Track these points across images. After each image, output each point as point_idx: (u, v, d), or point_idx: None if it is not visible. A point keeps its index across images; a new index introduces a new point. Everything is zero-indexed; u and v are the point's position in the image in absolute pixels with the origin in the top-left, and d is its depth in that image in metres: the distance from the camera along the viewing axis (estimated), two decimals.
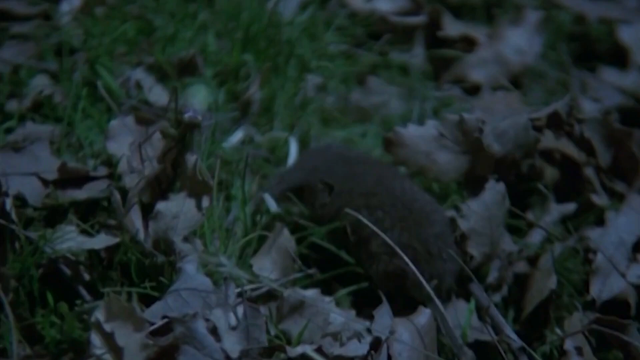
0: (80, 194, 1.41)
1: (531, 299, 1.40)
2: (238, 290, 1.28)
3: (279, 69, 1.76)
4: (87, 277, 1.32)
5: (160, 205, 1.35)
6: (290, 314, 1.29)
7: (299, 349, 1.21)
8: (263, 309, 1.28)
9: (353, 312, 1.33)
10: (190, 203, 1.35)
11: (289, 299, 1.30)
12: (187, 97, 1.60)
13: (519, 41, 1.87)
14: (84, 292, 1.29)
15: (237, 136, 1.62)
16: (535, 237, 1.49)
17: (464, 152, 1.47)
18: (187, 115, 1.37)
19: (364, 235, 1.37)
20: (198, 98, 1.61)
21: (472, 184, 1.45)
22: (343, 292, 1.38)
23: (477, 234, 1.41)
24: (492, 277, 1.42)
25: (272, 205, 1.46)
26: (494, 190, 1.43)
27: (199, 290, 1.25)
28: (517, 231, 1.51)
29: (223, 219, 1.43)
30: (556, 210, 1.51)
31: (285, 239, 1.40)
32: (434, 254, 1.35)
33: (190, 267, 1.27)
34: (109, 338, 1.13)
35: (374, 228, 1.33)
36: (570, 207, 1.53)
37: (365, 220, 1.34)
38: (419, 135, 1.49)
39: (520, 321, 1.41)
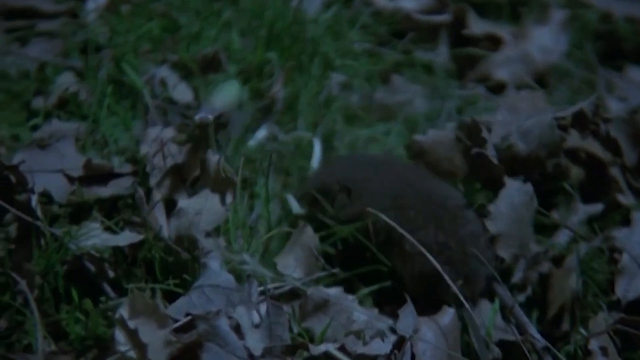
0: (105, 191, 1.42)
1: (555, 299, 1.40)
2: (261, 288, 1.29)
3: (303, 67, 1.76)
4: (111, 274, 1.32)
5: (183, 202, 1.35)
6: (313, 313, 1.29)
7: (322, 347, 1.20)
8: (286, 307, 1.28)
9: (376, 311, 1.33)
10: (214, 200, 1.35)
11: (312, 298, 1.29)
12: (217, 94, 1.59)
13: (544, 40, 1.86)
14: (108, 288, 1.30)
15: (261, 134, 1.62)
16: (562, 237, 1.48)
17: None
18: (197, 117, 1.38)
19: (394, 236, 1.34)
20: (228, 95, 1.60)
21: (491, 185, 1.45)
22: (366, 290, 1.38)
23: (506, 236, 1.40)
24: (516, 277, 1.41)
25: (295, 206, 1.46)
26: (522, 191, 1.43)
27: (222, 288, 1.25)
28: (542, 230, 1.50)
29: (247, 217, 1.43)
30: (583, 210, 1.50)
31: (309, 237, 1.40)
32: (470, 253, 1.33)
33: (213, 264, 1.27)
34: (133, 335, 1.13)
35: (397, 227, 1.31)
36: (597, 207, 1.52)
37: (389, 220, 1.31)
38: (439, 141, 1.49)
39: (544, 321, 1.40)
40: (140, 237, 1.32)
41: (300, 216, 1.46)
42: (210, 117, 1.38)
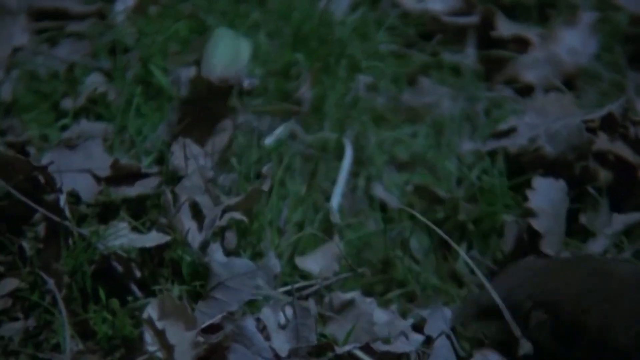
0: (132, 191, 1.42)
1: None
2: (288, 288, 1.29)
3: (329, 68, 1.76)
4: (138, 274, 1.32)
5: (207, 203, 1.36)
6: (336, 315, 1.29)
7: (347, 347, 1.20)
8: (313, 308, 1.28)
9: (396, 313, 1.32)
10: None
11: (335, 299, 1.29)
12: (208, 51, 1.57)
13: (573, 42, 1.85)
14: (135, 288, 1.30)
15: (277, 132, 1.62)
16: (597, 245, 1.45)
17: None
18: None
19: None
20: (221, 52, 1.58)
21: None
22: (391, 295, 1.38)
23: (550, 233, 1.38)
24: None
25: (335, 216, 1.46)
26: (557, 188, 1.42)
27: (248, 288, 1.25)
28: (568, 234, 1.49)
29: (275, 218, 1.43)
30: (620, 220, 1.47)
31: (337, 242, 1.40)
32: None
33: (240, 263, 1.28)
34: (160, 335, 1.13)
35: None
36: (635, 216, 1.48)
37: None
38: None
39: None
40: (167, 238, 1.32)
41: (337, 226, 1.46)
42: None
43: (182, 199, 1.36)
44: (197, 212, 1.36)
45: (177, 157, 1.40)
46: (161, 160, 1.48)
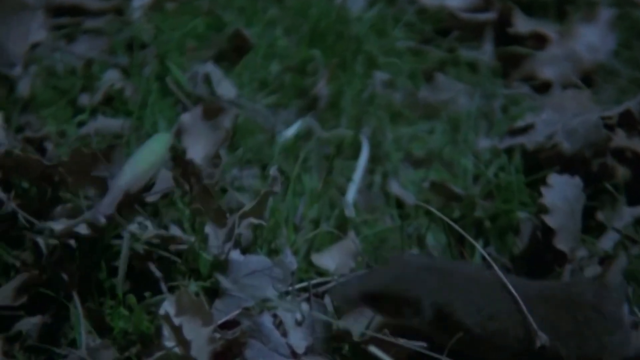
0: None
1: None
2: (304, 284, 1.29)
3: (346, 65, 1.76)
4: (155, 269, 1.32)
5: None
6: (350, 311, 1.29)
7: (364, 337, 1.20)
8: (329, 305, 1.28)
9: None
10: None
11: None
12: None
13: (591, 38, 1.84)
14: (152, 284, 1.30)
15: (294, 128, 1.62)
16: (608, 240, 1.46)
17: None
18: (88, 214, 1.25)
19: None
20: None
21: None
22: None
23: (564, 230, 1.38)
24: None
25: (350, 210, 1.46)
26: (572, 184, 1.41)
27: (264, 285, 1.26)
28: (585, 231, 1.48)
29: (291, 214, 1.43)
30: (629, 212, 1.48)
31: (352, 238, 1.40)
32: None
33: (256, 260, 1.28)
34: (177, 331, 1.13)
35: None
36: None
37: None
38: None
39: None
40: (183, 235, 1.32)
41: (352, 220, 1.46)
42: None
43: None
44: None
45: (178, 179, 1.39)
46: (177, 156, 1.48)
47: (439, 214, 1.36)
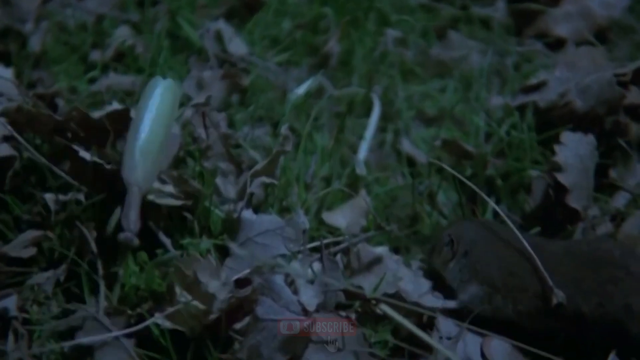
0: None
1: None
2: (316, 244, 1.29)
3: (358, 22, 1.75)
4: (167, 227, 1.33)
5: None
6: (362, 269, 1.29)
7: (376, 295, 1.21)
8: (340, 263, 1.29)
9: (421, 271, 1.33)
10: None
11: (362, 254, 1.30)
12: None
13: None
14: (164, 240, 1.30)
15: (307, 85, 1.61)
16: (620, 200, 1.45)
17: None
18: (122, 236, 1.20)
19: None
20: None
21: None
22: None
23: (577, 187, 1.37)
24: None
25: (361, 167, 1.46)
26: (585, 142, 1.40)
27: (276, 244, 1.26)
28: (598, 189, 1.48)
29: (302, 172, 1.43)
30: None
31: (363, 196, 1.40)
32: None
33: (268, 219, 1.28)
34: (189, 288, 1.14)
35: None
36: None
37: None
38: None
39: None
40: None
41: (363, 178, 1.46)
42: (135, 239, 1.20)
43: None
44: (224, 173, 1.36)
45: (197, 127, 1.38)
46: None
47: (451, 170, 1.36)
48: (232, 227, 1.29)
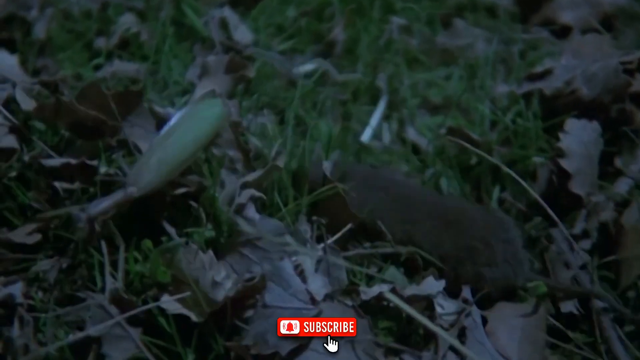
0: None
1: (631, 267, 1.34)
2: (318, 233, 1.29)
3: (363, 10, 1.75)
4: (171, 215, 1.33)
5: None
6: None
7: (376, 289, 1.21)
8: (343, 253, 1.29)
9: None
10: None
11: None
12: None
13: None
14: (169, 229, 1.30)
15: (308, 67, 1.61)
16: (622, 185, 1.45)
17: None
18: (75, 212, 1.20)
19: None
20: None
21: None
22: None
23: (581, 174, 1.38)
24: (578, 228, 1.39)
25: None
26: (590, 129, 1.40)
27: (276, 249, 1.25)
28: (603, 176, 1.47)
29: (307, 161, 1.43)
30: None
31: None
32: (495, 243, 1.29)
33: (271, 224, 1.27)
34: (196, 275, 1.14)
35: None
36: None
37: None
38: None
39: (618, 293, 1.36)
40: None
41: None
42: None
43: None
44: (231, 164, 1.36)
45: None
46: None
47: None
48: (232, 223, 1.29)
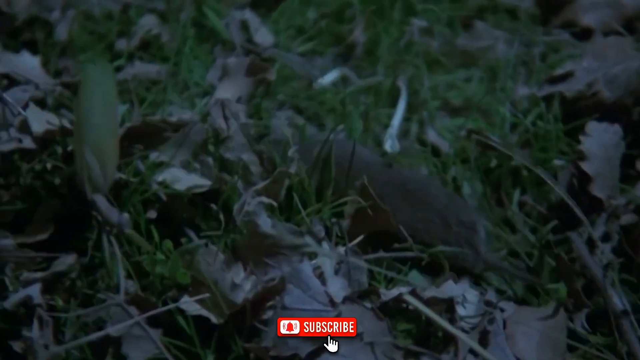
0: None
1: None
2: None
3: (384, 11, 1.74)
4: (191, 216, 1.33)
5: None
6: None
7: (395, 291, 1.21)
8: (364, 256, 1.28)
9: None
10: None
11: None
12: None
13: None
14: (189, 231, 1.31)
15: (332, 76, 1.61)
16: None
17: None
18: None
19: None
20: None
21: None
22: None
23: (601, 176, 1.37)
24: (598, 231, 1.38)
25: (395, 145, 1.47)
26: (611, 132, 1.40)
27: (294, 254, 1.25)
28: (624, 179, 1.46)
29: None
30: None
31: None
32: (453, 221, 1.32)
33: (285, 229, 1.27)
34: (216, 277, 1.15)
35: None
36: None
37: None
38: None
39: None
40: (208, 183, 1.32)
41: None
42: None
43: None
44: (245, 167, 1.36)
45: (216, 117, 1.38)
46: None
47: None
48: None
